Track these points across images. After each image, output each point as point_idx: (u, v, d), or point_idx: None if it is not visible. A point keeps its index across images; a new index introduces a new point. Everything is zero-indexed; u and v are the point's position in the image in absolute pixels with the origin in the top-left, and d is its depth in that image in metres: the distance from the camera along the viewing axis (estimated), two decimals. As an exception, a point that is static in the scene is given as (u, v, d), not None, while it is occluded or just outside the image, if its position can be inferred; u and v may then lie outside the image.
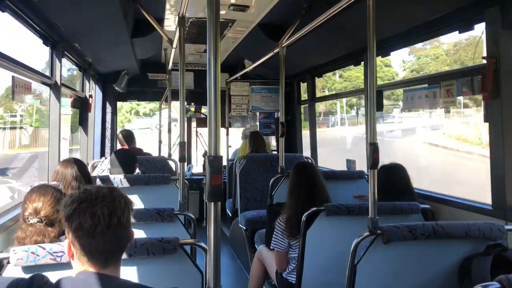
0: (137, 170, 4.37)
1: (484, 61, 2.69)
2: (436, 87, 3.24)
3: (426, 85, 3.40)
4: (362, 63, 4.35)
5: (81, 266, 1.45)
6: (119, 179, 3.75)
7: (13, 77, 2.86)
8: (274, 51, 4.17)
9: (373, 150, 2.29)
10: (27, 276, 1.48)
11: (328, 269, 2.91)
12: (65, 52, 4.22)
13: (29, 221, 2.15)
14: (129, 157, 4.20)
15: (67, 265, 1.51)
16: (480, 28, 2.80)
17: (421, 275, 2.30)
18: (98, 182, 3.64)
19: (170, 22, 4.41)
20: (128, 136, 5.36)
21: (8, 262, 1.90)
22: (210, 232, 1.38)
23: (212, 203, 1.38)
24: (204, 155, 7.70)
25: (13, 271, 1.87)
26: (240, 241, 5.16)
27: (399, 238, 2.20)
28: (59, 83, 3.88)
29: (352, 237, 2.28)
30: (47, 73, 3.79)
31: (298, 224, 2.90)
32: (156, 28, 3.65)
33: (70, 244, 1.46)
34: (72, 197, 1.47)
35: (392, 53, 3.84)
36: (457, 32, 3.02)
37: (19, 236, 2.10)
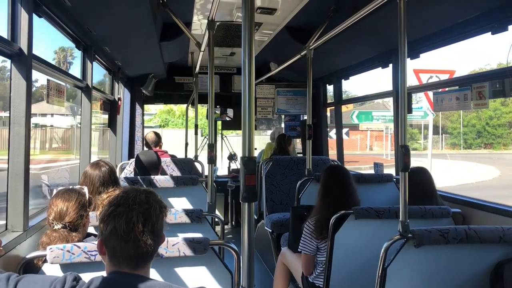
0: (160, 173, 4.41)
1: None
2: (467, 89, 3.19)
3: (456, 87, 3.35)
4: (390, 65, 4.30)
5: (112, 266, 1.49)
6: (148, 181, 3.81)
7: (48, 80, 2.95)
8: (301, 54, 4.17)
9: (404, 152, 2.26)
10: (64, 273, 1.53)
11: (357, 273, 2.89)
12: (96, 56, 4.31)
13: (53, 226, 2.20)
14: (152, 158, 4.25)
15: (101, 264, 1.55)
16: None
17: (452, 280, 2.27)
18: (125, 183, 3.69)
19: (197, 26, 4.46)
20: (155, 138, 5.44)
21: (45, 261, 1.96)
22: (244, 232, 1.39)
23: (246, 204, 1.39)
24: (229, 158, 7.75)
25: (51, 269, 1.93)
26: (265, 244, 5.17)
27: (430, 242, 2.18)
28: (90, 86, 3.97)
29: (381, 241, 2.26)
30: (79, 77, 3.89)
31: (327, 227, 2.89)
32: (184, 32, 3.70)
33: (102, 243, 1.49)
34: (110, 198, 1.51)
35: (421, 55, 3.79)
36: (489, 33, 2.96)
37: (44, 241, 2.15)
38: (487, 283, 2.21)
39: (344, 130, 20.90)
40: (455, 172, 19.02)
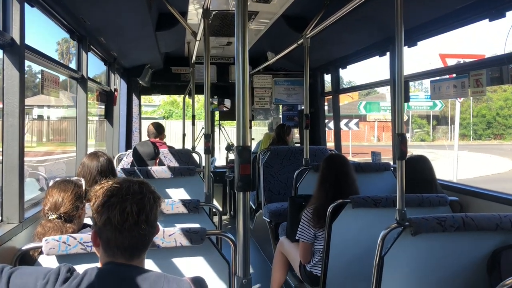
0: (158, 164, 4.40)
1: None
2: (464, 77, 3.17)
3: (454, 75, 3.33)
4: (388, 53, 4.28)
5: (106, 257, 1.48)
6: (145, 172, 3.80)
7: (42, 71, 2.92)
8: (298, 43, 4.14)
9: (400, 141, 2.26)
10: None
11: (354, 262, 2.89)
12: (91, 47, 4.28)
13: (48, 217, 2.18)
14: (148, 149, 4.24)
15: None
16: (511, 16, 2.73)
17: (449, 268, 2.27)
18: (122, 175, 3.69)
19: (193, 15, 4.42)
20: (158, 128, 5.42)
21: (41, 252, 1.96)
22: (239, 221, 1.39)
23: (241, 193, 1.39)
24: (227, 148, 7.74)
25: (47, 260, 1.92)
26: (263, 233, 5.18)
27: (427, 230, 2.18)
28: (86, 76, 3.95)
29: (379, 230, 2.26)
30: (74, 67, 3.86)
31: (325, 215, 2.90)
32: (180, 21, 3.67)
33: (96, 234, 1.48)
34: (102, 188, 1.49)
35: (419, 43, 3.76)
36: (487, 20, 2.93)
37: (39, 231, 2.14)
38: (484, 271, 2.21)
39: (354, 121, 20.98)
40: (469, 164, 18.78)
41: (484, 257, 2.24)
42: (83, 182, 2.45)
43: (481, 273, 2.23)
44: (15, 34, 2.29)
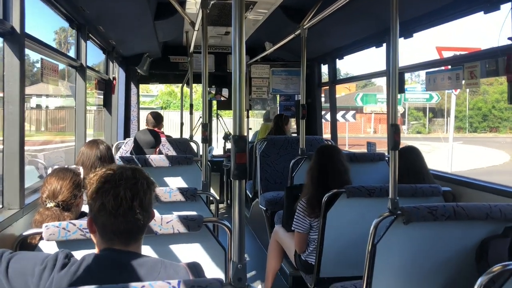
0: (157, 151, 4.43)
1: (510, 42, 2.65)
2: (459, 69, 3.20)
3: (449, 67, 3.36)
4: (384, 45, 4.31)
5: (103, 243, 1.50)
6: (143, 160, 3.83)
7: (41, 59, 2.94)
8: (296, 33, 4.16)
9: (394, 131, 2.29)
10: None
11: (348, 250, 2.95)
12: (90, 35, 4.29)
13: (46, 204, 2.20)
14: (152, 136, 4.27)
15: None
16: (506, 8, 2.75)
17: (440, 256, 2.32)
18: (120, 163, 3.72)
19: (191, 5, 4.43)
20: (156, 118, 5.45)
21: (42, 238, 2.00)
22: (235, 208, 1.42)
23: (237, 181, 1.42)
24: (224, 138, 7.78)
25: (47, 246, 1.96)
26: (260, 221, 5.24)
27: (419, 218, 2.22)
28: (84, 65, 3.96)
29: (372, 219, 2.29)
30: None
31: (319, 205, 2.94)
32: (178, 10, 3.68)
33: (92, 221, 1.51)
34: (96, 175, 1.52)
35: (415, 35, 3.79)
36: (482, 12, 2.96)
37: (37, 219, 2.16)
38: (472, 259, 2.26)
39: (351, 113, 20.96)
40: (464, 157, 18.81)
41: (474, 246, 2.28)
42: (81, 170, 2.47)
43: (471, 261, 2.27)
44: (15, 23, 2.31)
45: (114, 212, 1.45)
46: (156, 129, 5.35)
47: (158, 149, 4.40)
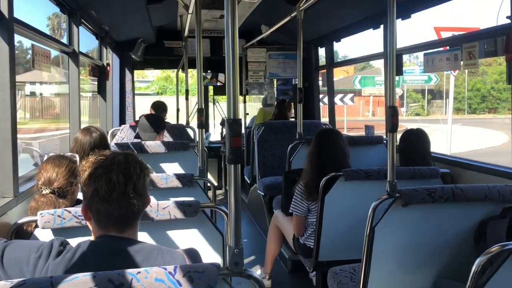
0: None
1: (509, 21, 2.60)
2: (457, 50, 3.16)
3: (447, 48, 3.32)
4: (382, 26, 4.25)
5: (99, 230, 1.49)
6: (138, 146, 3.80)
7: (32, 45, 2.89)
8: (292, 15, 4.10)
9: (392, 113, 2.27)
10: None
11: (346, 233, 2.95)
12: (82, 20, 4.22)
13: (42, 191, 2.20)
14: (158, 121, 4.23)
15: None
16: (505, -14, 2.70)
17: (439, 238, 2.32)
18: (116, 149, 3.68)
19: (185, -12, 4.36)
20: (162, 105, 5.41)
21: (36, 226, 1.98)
22: (231, 192, 1.40)
23: (232, 166, 1.40)
24: (221, 123, 7.74)
25: (43, 234, 1.95)
26: (258, 206, 5.24)
27: (417, 201, 2.21)
28: (77, 51, 3.91)
29: (371, 202, 2.29)
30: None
31: (317, 188, 2.93)
32: (171, -7, 3.61)
33: (86, 208, 1.49)
34: (88, 162, 1.50)
35: (413, 15, 3.74)
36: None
37: (32, 206, 2.15)
38: (471, 241, 2.26)
39: (349, 96, 20.91)
40: (463, 138, 18.82)
41: (472, 227, 2.28)
42: (77, 158, 2.45)
43: (469, 242, 2.27)
44: (3, 7, 2.25)
45: (108, 198, 1.43)
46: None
47: (163, 134, 4.31)
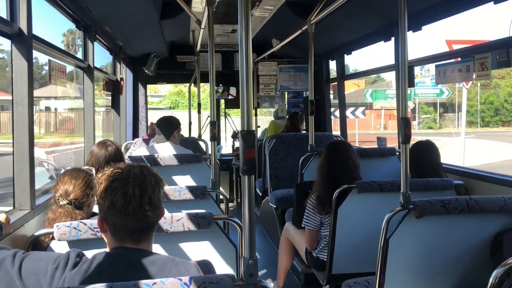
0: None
1: (521, 32, 2.60)
2: (469, 61, 3.16)
3: (459, 59, 3.32)
4: (393, 39, 4.26)
5: (115, 241, 1.50)
6: (152, 159, 3.84)
7: (49, 60, 2.96)
8: (303, 29, 4.13)
9: (404, 125, 2.27)
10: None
11: (360, 246, 2.92)
12: (97, 36, 4.30)
13: (59, 202, 2.23)
14: (168, 122, 4.28)
15: None
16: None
17: (454, 250, 2.29)
18: (130, 163, 3.71)
19: (197, 3, 4.42)
20: (169, 122, 5.43)
21: (53, 238, 2.01)
22: (245, 203, 1.41)
23: (246, 177, 1.41)
24: (233, 136, 7.78)
25: (58, 246, 1.97)
26: (270, 219, 5.23)
27: (431, 212, 2.19)
28: (92, 66, 3.98)
29: (384, 214, 2.27)
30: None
31: (329, 201, 2.92)
32: (184, 9, 3.67)
33: (102, 220, 1.51)
34: (104, 175, 1.52)
35: (424, 28, 3.74)
36: (492, 3, 2.91)
37: (50, 217, 2.19)
38: (487, 253, 2.23)
39: (361, 109, 20.86)
40: (477, 151, 18.55)
41: (488, 239, 2.25)
42: (93, 171, 2.49)
43: (485, 255, 2.25)
44: (23, 25, 2.32)
45: (124, 210, 1.45)
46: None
47: (175, 134, 4.31)
